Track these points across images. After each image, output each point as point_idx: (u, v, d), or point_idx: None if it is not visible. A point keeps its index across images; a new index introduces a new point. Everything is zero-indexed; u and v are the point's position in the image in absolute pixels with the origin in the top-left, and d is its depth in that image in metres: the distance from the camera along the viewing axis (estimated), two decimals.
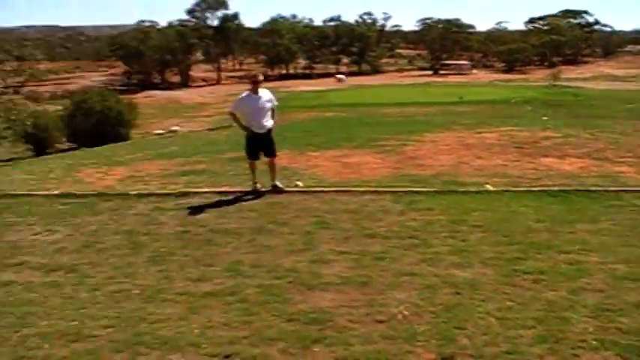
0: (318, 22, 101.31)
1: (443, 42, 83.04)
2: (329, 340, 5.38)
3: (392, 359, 5.08)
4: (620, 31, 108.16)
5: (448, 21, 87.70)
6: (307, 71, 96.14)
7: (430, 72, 76.66)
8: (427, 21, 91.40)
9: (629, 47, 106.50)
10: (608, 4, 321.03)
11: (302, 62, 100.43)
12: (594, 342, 5.22)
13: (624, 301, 6.01)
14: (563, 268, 6.85)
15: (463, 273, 6.76)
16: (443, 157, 14.12)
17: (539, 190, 10.44)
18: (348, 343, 5.33)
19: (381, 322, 5.69)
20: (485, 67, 78.05)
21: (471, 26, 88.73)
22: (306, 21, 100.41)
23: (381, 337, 5.43)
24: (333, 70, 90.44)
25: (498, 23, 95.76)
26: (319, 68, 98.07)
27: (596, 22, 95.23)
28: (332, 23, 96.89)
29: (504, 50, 76.46)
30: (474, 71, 69.37)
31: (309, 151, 15.20)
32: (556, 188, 10.56)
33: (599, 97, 32.91)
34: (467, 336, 5.36)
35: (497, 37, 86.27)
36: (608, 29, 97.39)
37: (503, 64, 76.39)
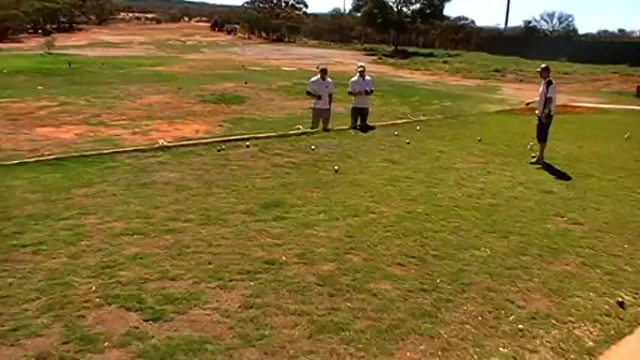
0: None
1: None
2: None
3: None
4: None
5: None
6: None
7: None
8: None
9: (122, 14, 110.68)
10: None
11: None
12: (98, 299, 5.37)
13: (123, 255, 6.34)
14: (62, 234, 6.84)
15: None
16: None
17: (34, 161, 10.12)
18: None
19: None
20: None
21: None
22: None
23: None
24: None
25: None
26: None
27: None
28: None
29: None
30: None
31: None
32: (52, 157, 10.41)
33: (95, 63, 33.42)
34: None
35: None
36: None
37: None
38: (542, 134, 11.95)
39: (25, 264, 6.06)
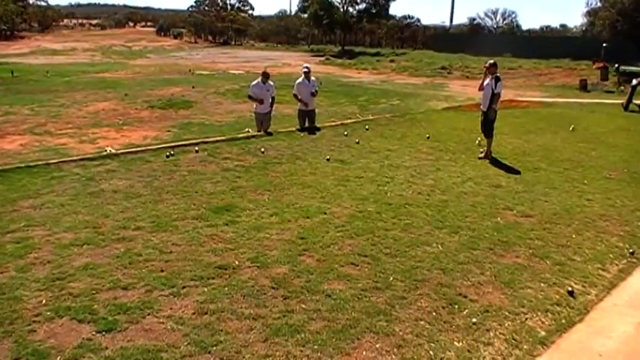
0: None
1: None
2: None
3: None
4: (56, 6, 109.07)
5: None
6: None
7: None
8: None
9: (65, 21, 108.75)
10: None
11: None
12: (49, 313, 5.24)
13: (73, 267, 6.20)
14: (10, 247, 6.65)
15: None
16: None
17: None
18: None
19: None
20: None
21: None
22: None
23: None
24: None
25: None
26: None
27: None
28: None
29: None
30: None
31: None
32: None
33: (39, 71, 32.73)
34: None
35: None
36: (44, 4, 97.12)
37: None
38: (488, 129, 12.15)
39: None
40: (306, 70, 14.72)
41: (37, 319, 5.17)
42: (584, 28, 54.99)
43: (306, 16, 67.33)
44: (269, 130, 13.88)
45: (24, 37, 79.68)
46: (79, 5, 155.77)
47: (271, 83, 14.18)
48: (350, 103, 23.05)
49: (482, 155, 12.08)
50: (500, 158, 11.97)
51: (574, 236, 7.70)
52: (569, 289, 6.08)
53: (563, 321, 5.47)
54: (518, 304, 5.72)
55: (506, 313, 5.53)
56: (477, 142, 12.93)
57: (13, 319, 5.15)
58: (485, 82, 12.18)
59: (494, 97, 11.96)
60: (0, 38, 74.00)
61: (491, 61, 12.31)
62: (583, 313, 5.66)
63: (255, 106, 14.11)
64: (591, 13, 49.32)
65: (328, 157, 11.50)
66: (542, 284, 6.21)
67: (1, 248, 6.66)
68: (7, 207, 8.05)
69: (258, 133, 13.65)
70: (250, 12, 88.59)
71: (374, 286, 5.96)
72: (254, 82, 14.20)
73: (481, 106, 12.39)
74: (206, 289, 5.76)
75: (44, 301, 5.46)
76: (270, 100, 14.06)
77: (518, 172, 10.99)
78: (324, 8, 61.74)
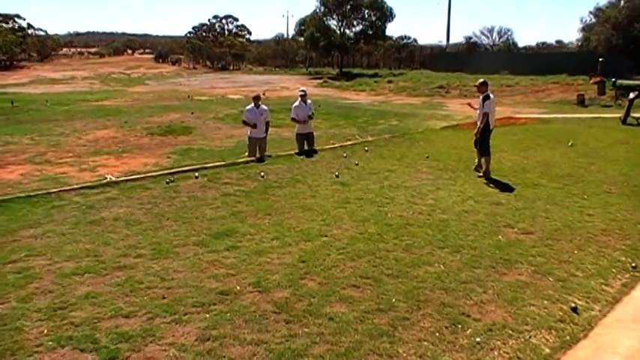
0: None
1: None
2: None
3: None
4: (54, 35, 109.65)
5: None
6: None
7: None
8: None
9: (64, 50, 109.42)
10: (39, 9, 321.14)
11: None
12: (50, 343, 5.22)
13: (74, 296, 6.18)
14: (10, 278, 6.65)
15: None
16: None
17: None
18: None
19: None
20: None
21: None
22: None
23: None
24: None
25: None
26: None
27: (30, 26, 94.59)
28: None
29: None
30: None
31: None
32: None
33: (38, 101, 32.91)
34: None
35: None
36: (42, 33, 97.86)
37: None
38: (483, 147, 12.17)
39: None
40: (302, 93, 14.80)
41: (38, 349, 5.15)
42: (579, 44, 55.38)
43: (303, 39, 67.85)
44: (265, 154, 13.86)
45: (23, 67, 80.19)
46: (77, 34, 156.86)
47: (264, 107, 14.17)
48: (349, 124, 23.14)
49: (480, 174, 12.09)
50: (499, 175, 11.98)
51: (576, 252, 7.67)
52: (573, 305, 6.04)
53: (568, 338, 5.43)
54: (521, 322, 5.69)
55: (510, 332, 5.50)
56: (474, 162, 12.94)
57: (15, 349, 5.13)
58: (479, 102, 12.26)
59: (482, 116, 12.00)
60: None
61: (481, 80, 12.38)
62: (587, 329, 5.62)
63: (249, 130, 14.08)
64: (586, 29, 49.75)
65: (337, 173, 11.78)
66: (545, 301, 6.18)
67: (3, 279, 6.65)
68: (7, 237, 8.06)
69: (250, 158, 13.65)
70: (248, 37, 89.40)
71: (376, 308, 5.93)
72: (247, 107, 14.19)
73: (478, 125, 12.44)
74: (208, 315, 5.74)
75: (46, 331, 5.44)
76: (265, 125, 14.05)
77: (517, 189, 10.99)
78: (321, 31, 62.26)
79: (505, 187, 11.14)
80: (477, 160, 12.57)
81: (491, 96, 12.13)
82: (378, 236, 8.18)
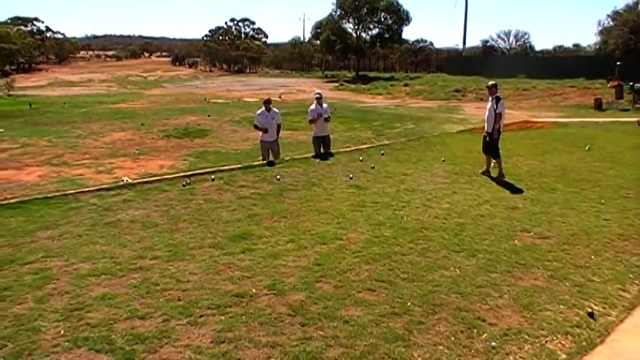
0: None
1: None
2: None
3: None
4: (72, 38, 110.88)
5: None
6: None
7: None
8: None
9: (82, 53, 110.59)
10: (57, 11, 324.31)
11: None
12: (67, 343, 5.27)
13: (91, 297, 6.23)
14: (28, 279, 6.72)
15: None
16: None
17: None
18: None
19: None
20: None
21: None
22: None
23: None
24: None
25: None
26: None
27: (48, 29, 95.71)
28: None
29: None
30: None
31: None
32: (14, 200, 10.24)
33: (56, 103, 33.19)
34: None
35: None
36: (60, 36, 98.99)
37: None
38: (493, 150, 12.16)
39: None
40: (317, 95, 14.82)
41: (55, 349, 5.19)
42: (597, 47, 54.93)
43: (319, 42, 67.95)
44: (280, 157, 13.89)
45: (41, 70, 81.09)
46: (95, 37, 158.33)
47: (276, 110, 14.21)
48: (365, 128, 23.13)
49: (494, 176, 12.07)
50: (516, 180, 11.92)
51: (593, 257, 7.62)
52: (589, 310, 6.00)
53: (584, 343, 5.40)
54: (537, 327, 5.66)
55: (526, 337, 5.47)
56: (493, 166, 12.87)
57: (32, 349, 5.18)
58: (488, 105, 12.28)
59: (497, 117, 12.00)
60: (18, 71, 75.43)
61: (492, 82, 12.43)
62: (604, 335, 5.58)
63: (261, 134, 14.11)
64: (604, 32, 49.36)
65: (351, 175, 11.82)
66: (561, 306, 6.14)
67: (20, 279, 6.72)
68: (25, 238, 8.14)
69: (263, 162, 13.66)
70: (264, 40, 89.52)
71: (392, 312, 5.92)
72: (258, 111, 14.19)
73: (485, 128, 12.44)
74: (223, 318, 5.76)
75: (62, 332, 5.48)
76: (276, 128, 14.07)
77: (534, 194, 10.93)
78: (337, 34, 62.31)
79: (522, 191, 11.08)
80: (485, 166, 12.55)
81: (502, 98, 12.20)
82: (394, 240, 8.17)
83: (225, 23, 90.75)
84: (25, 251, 7.64)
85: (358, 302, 6.14)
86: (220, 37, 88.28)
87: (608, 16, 49.13)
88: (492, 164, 12.49)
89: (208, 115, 26.20)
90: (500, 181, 11.86)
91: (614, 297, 6.44)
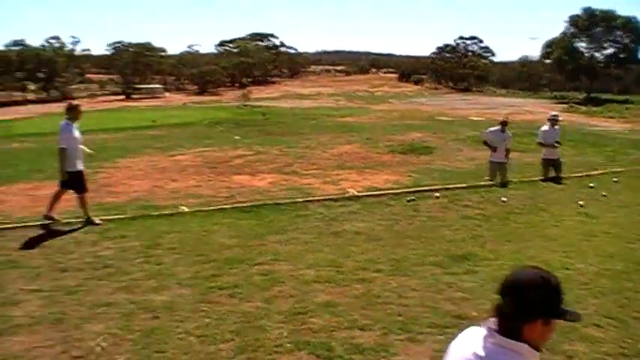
0: None
1: (134, 66, 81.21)
2: None
3: None
4: (304, 53, 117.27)
5: (139, 45, 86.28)
6: None
7: (122, 96, 74.68)
8: (118, 45, 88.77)
9: (312, 67, 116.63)
10: (291, 29, 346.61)
11: None
12: (289, 345, 5.49)
13: (314, 303, 6.46)
14: (257, 279, 7.13)
15: (160, 296, 6.67)
16: (137, 183, 13.89)
17: (231, 208, 10.75)
18: None
19: (78, 357, 5.32)
20: (179, 89, 78.22)
21: (162, 49, 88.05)
22: None
23: None
24: (19, 98, 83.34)
25: (190, 46, 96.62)
26: (3, 96, 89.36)
27: (282, 45, 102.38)
28: (15, 48, 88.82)
29: (196, 73, 77.65)
30: (167, 94, 69.05)
31: None
32: (247, 204, 10.97)
33: (287, 114, 35.07)
34: (167, 358, 5.26)
35: (189, 60, 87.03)
36: (293, 51, 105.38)
37: (196, 87, 77.65)
38: None
39: (221, 306, 6.39)
40: (553, 117, 14.18)
41: (278, 349, 5.43)
42: None
43: (549, 61, 64.93)
44: (506, 180, 13.43)
45: (275, 83, 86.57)
46: (325, 52, 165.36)
47: (509, 134, 13.85)
48: (596, 153, 21.49)
49: None
50: None
51: None
52: None
53: None
54: None
55: None
56: None
57: (257, 347, 5.47)
58: None
59: None
60: (254, 83, 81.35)
61: None
62: None
63: (490, 153, 13.78)
64: None
65: (581, 202, 11.17)
66: None
67: (249, 279, 7.16)
68: (256, 240, 8.67)
69: (490, 182, 13.33)
70: (491, 58, 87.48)
71: (620, 352, 5.45)
72: (492, 129, 13.98)
73: None
74: (442, 337, 5.61)
75: (285, 334, 5.72)
76: (505, 151, 13.65)
77: None
78: (569, 54, 59.04)
79: None
80: None
81: None
82: (626, 275, 7.49)
83: (454, 41, 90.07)
84: (256, 253, 8.13)
85: (584, 338, 5.69)
86: (447, 55, 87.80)
87: None
88: None
89: (433, 133, 26.08)
90: None
91: None
